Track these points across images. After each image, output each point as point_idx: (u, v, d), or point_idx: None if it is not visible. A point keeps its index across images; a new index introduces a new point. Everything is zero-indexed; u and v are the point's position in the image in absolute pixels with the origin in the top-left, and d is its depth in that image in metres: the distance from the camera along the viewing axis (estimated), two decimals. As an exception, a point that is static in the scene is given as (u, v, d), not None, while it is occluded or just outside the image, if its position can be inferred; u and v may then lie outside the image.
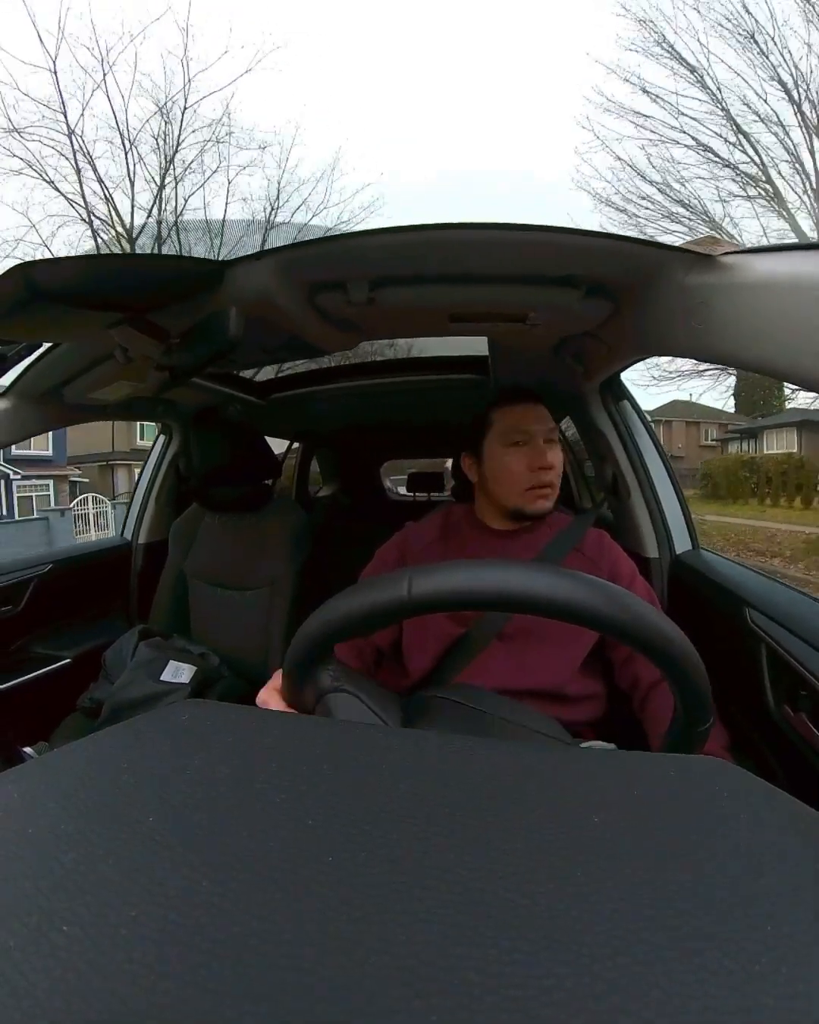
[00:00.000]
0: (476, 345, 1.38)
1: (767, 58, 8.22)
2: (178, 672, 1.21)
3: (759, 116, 8.41)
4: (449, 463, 2.26)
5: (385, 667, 0.94)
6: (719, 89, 8.53)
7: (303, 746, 0.29)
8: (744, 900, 0.19)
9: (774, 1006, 0.16)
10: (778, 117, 8.28)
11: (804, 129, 8.25)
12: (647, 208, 9.56)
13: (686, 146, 8.90)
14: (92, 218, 8.42)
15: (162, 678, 1.19)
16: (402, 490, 3.85)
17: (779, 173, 8.55)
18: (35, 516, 11.60)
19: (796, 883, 0.20)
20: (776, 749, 0.76)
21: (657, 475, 1.28)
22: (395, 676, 0.90)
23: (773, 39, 8.16)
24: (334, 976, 0.16)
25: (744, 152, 8.64)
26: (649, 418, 1.37)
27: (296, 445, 2.69)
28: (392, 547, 0.98)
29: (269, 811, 0.23)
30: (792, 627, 0.76)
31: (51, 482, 15.74)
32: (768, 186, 8.65)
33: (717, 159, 8.77)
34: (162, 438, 1.76)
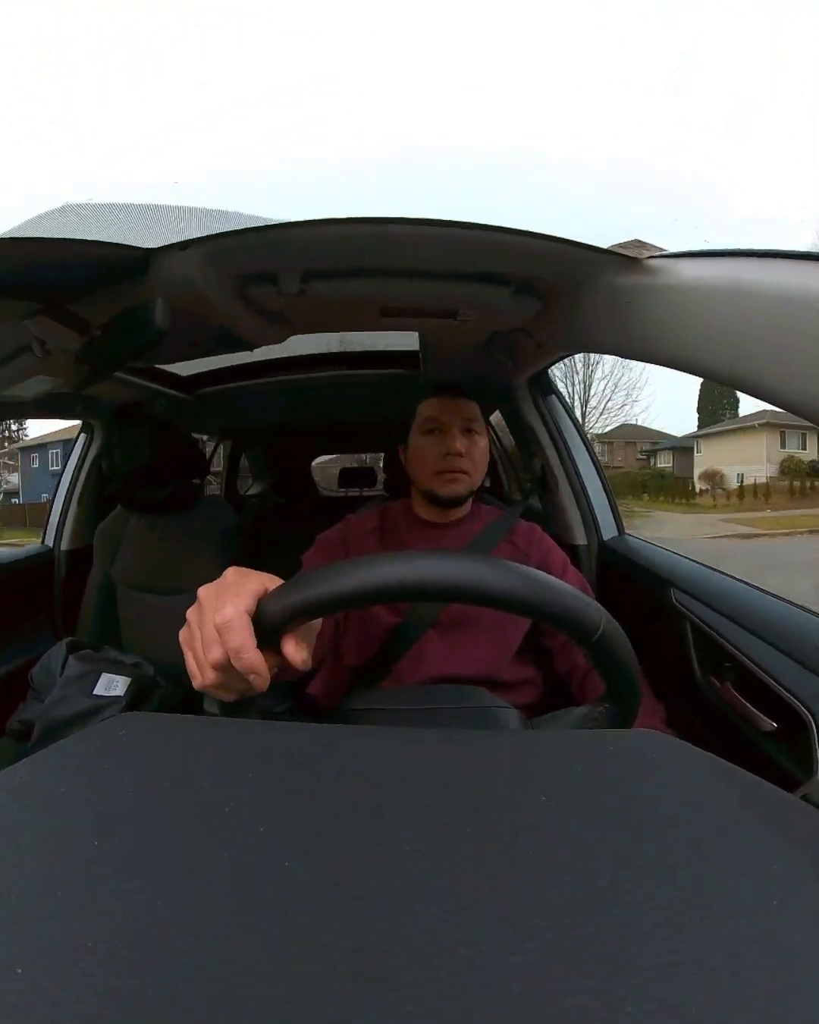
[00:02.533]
0: (407, 340, 1.39)
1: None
2: (111, 685, 1.15)
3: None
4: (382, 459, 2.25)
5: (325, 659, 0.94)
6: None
7: (246, 752, 0.29)
8: (689, 860, 0.21)
9: (726, 954, 0.17)
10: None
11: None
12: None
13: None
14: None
15: (95, 692, 1.13)
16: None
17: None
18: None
19: (734, 839, 0.22)
20: (706, 717, 0.81)
21: (583, 466, 1.34)
22: (332, 667, 0.91)
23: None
24: (303, 983, 0.16)
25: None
26: (575, 411, 1.42)
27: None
28: (335, 534, 0.98)
29: (219, 823, 0.23)
30: (713, 604, 0.82)
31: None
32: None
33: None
34: (83, 437, 1.66)
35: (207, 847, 0.21)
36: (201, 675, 0.40)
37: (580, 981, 0.16)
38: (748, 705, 0.70)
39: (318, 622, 0.47)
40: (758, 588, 0.84)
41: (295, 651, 0.40)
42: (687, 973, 0.17)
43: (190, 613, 0.43)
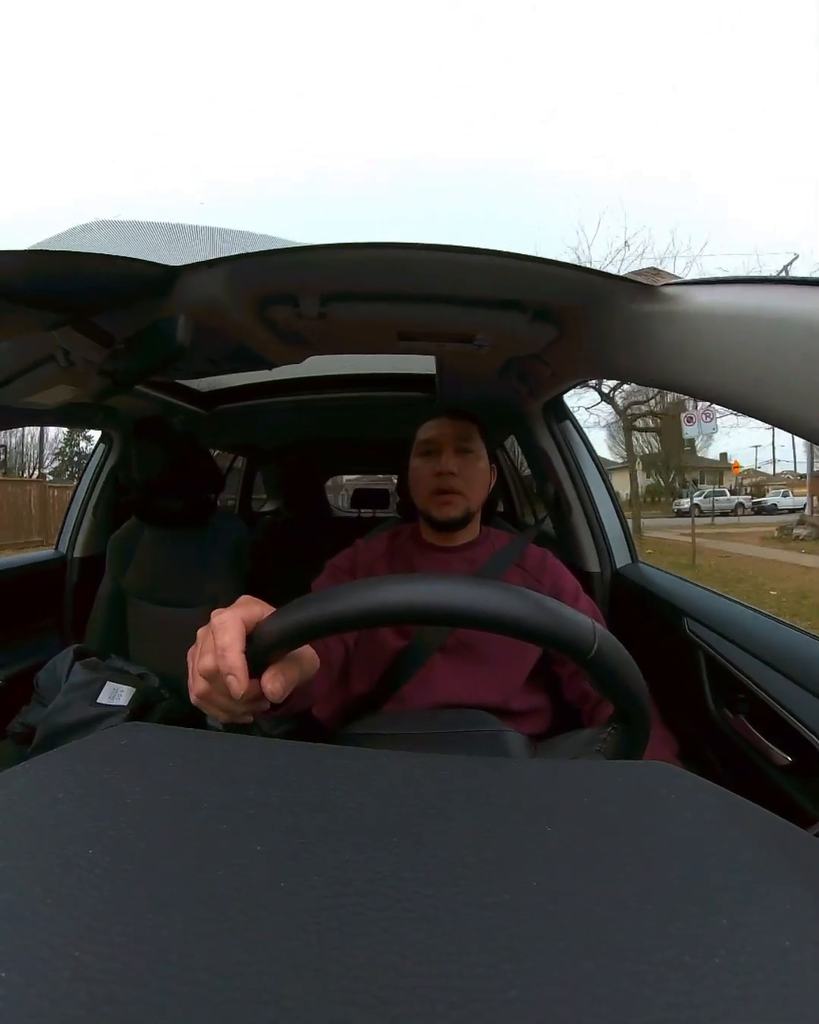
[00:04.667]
0: (424, 363, 1.41)
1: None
2: (116, 694, 1.15)
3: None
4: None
5: (333, 684, 0.94)
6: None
7: (249, 769, 0.29)
8: (696, 897, 0.20)
9: (734, 996, 0.16)
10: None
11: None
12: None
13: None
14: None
15: (99, 701, 1.13)
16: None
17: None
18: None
19: (744, 876, 0.21)
20: (718, 750, 0.79)
21: (597, 492, 1.33)
22: (340, 691, 0.90)
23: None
24: (292, 1004, 0.16)
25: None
26: (589, 438, 1.42)
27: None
28: (343, 560, 0.98)
29: (216, 839, 0.23)
30: (727, 634, 0.80)
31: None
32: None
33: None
34: (102, 447, 1.69)
35: (202, 863, 0.21)
36: (194, 684, 0.43)
37: (580, 1018, 0.16)
38: (762, 738, 0.69)
39: (307, 654, 0.49)
40: (774, 618, 0.82)
41: (270, 680, 0.42)
42: (693, 1012, 0.16)
43: (200, 630, 0.45)
